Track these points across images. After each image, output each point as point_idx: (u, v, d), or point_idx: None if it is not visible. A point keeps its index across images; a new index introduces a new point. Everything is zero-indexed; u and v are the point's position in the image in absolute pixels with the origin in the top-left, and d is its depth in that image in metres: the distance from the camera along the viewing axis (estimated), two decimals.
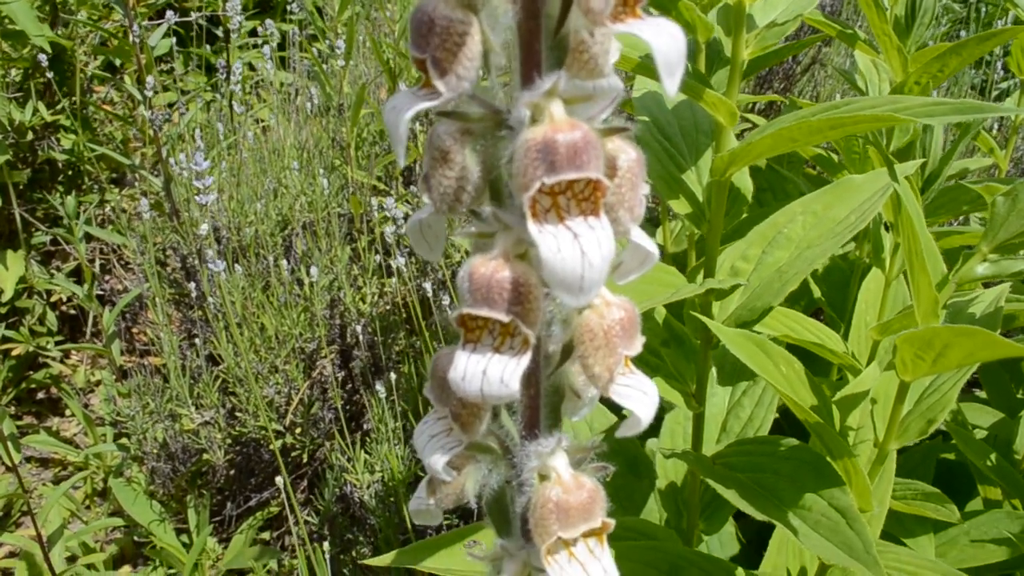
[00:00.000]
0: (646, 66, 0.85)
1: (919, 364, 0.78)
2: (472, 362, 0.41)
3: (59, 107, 2.76)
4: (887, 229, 1.38)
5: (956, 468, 1.63)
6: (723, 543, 1.44)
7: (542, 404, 0.48)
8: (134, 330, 2.74)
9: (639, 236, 0.45)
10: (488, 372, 0.41)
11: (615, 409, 1.36)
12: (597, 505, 0.46)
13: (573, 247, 0.38)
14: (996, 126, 2.90)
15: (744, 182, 1.09)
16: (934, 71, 1.50)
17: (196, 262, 2.28)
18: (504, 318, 0.40)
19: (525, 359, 0.41)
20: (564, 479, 0.46)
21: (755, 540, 1.49)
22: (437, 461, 0.46)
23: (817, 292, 1.68)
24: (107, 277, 2.89)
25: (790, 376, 0.88)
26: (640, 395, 0.45)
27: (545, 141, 0.38)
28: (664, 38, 0.38)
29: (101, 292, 2.74)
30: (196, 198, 1.37)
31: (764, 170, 1.73)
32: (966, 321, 0.92)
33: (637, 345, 0.45)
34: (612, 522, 0.47)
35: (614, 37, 0.43)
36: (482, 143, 0.43)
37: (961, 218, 1.99)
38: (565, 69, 0.42)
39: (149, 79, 2.15)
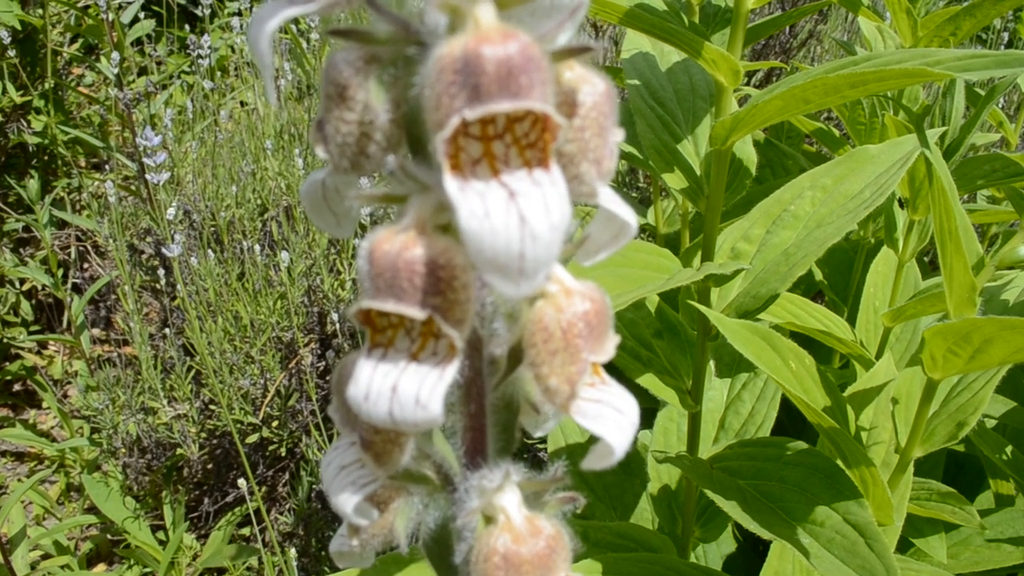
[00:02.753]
0: (636, 15, 0.73)
1: (952, 361, 0.66)
2: (380, 375, 0.30)
3: (32, 89, 2.64)
4: (901, 206, 1.27)
5: (963, 460, 1.54)
6: (719, 542, 1.34)
7: (488, 423, 0.36)
8: (112, 319, 2.64)
9: (610, 199, 0.32)
10: (400, 389, 0.29)
11: None
12: (559, 556, 0.35)
13: (507, 211, 0.26)
14: (1001, 102, 2.83)
15: (747, 152, 0.96)
16: (946, 35, 1.41)
17: None
18: (418, 314, 0.29)
19: (450, 370, 0.30)
20: (515, 523, 0.35)
21: (753, 537, 1.39)
22: (346, 502, 0.34)
23: (819, 275, 1.58)
24: (85, 265, 2.79)
25: (800, 373, 0.76)
26: (613, 415, 0.33)
27: (466, 56, 0.26)
28: None
29: (78, 280, 2.64)
30: (148, 176, 1.25)
31: (763, 145, 1.63)
32: (999, 309, 0.80)
33: (608, 348, 0.33)
34: None
35: None
36: (392, 72, 0.31)
37: (966, 196, 1.89)
38: None
39: (115, 55, 2.02)
